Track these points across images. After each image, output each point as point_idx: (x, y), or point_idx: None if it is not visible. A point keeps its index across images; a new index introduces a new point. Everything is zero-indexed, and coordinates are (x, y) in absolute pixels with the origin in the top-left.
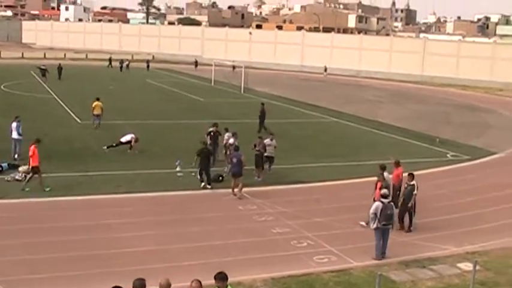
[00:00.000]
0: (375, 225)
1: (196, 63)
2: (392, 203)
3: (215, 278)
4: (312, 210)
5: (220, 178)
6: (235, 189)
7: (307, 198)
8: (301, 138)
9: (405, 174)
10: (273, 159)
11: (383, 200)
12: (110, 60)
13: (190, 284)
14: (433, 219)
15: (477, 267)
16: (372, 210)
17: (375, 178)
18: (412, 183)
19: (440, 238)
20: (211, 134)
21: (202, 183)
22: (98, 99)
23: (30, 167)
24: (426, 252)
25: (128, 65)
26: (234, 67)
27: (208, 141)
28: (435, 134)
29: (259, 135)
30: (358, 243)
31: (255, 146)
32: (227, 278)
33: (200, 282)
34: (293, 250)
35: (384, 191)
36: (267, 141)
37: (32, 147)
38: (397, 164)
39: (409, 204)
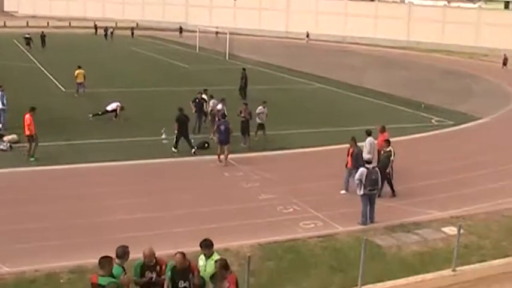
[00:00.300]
0: (361, 192)
1: (181, 30)
2: (377, 169)
3: (200, 245)
4: (298, 176)
5: (206, 145)
6: (221, 156)
7: (293, 164)
8: (286, 105)
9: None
10: (263, 126)
11: (367, 165)
12: (96, 27)
13: (174, 255)
14: (418, 184)
15: (461, 231)
16: (357, 177)
17: (359, 144)
18: (388, 149)
19: (424, 203)
20: (196, 100)
21: (175, 150)
22: (79, 67)
23: (27, 135)
24: (411, 217)
25: (112, 33)
26: (217, 33)
27: (194, 108)
28: (420, 99)
29: (245, 102)
30: (344, 208)
31: (240, 112)
32: (212, 245)
33: (184, 254)
34: (279, 216)
35: (368, 156)
36: (259, 108)
37: (28, 115)
38: (383, 129)
39: (387, 171)
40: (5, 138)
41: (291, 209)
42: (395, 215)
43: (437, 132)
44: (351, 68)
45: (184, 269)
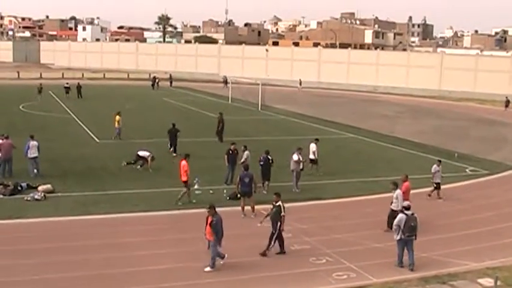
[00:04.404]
0: (398, 237)
1: (225, 81)
2: (415, 215)
3: None
4: (330, 227)
5: (238, 196)
6: (245, 208)
7: (326, 214)
8: (319, 155)
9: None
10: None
11: (406, 212)
12: (155, 79)
13: None
14: (453, 234)
15: (498, 283)
16: (395, 222)
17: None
18: (278, 204)
19: (460, 253)
20: (230, 152)
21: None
22: (118, 114)
23: (183, 181)
24: (446, 268)
25: (158, 83)
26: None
27: (227, 161)
28: (453, 148)
29: (266, 150)
30: (378, 259)
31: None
32: None
33: None
34: (312, 267)
35: (406, 203)
36: (295, 156)
37: (184, 162)
38: (405, 178)
39: (278, 226)
40: (39, 188)
41: (324, 260)
42: (429, 266)
43: (471, 181)
44: (382, 117)
45: None
